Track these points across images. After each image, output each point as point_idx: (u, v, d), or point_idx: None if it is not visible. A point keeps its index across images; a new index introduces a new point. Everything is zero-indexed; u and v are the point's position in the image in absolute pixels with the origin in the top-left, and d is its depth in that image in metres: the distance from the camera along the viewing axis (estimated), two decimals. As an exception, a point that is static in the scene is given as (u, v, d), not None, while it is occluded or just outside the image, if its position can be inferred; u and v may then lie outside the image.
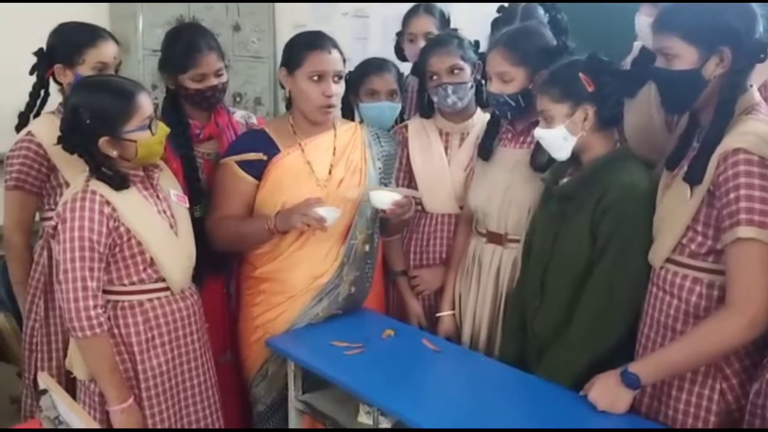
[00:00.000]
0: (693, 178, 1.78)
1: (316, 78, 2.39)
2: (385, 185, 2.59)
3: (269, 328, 2.50)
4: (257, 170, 2.46)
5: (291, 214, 2.33)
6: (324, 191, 2.46)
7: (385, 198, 2.38)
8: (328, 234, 2.41)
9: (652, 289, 1.95)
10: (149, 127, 2.11)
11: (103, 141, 2.07)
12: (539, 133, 2.14)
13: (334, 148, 2.52)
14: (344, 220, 2.47)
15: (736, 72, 1.76)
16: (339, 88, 2.45)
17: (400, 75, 2.85)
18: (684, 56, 1.79)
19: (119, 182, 2.10)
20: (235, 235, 2.48)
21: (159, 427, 2.20)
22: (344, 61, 2.48)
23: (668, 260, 1.89)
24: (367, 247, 2.55)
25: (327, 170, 2.49)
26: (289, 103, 2.58)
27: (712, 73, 1.78)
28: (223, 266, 2.67)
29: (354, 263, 2.52)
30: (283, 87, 2.53)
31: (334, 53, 2.43)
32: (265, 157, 2.46)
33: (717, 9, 1.77)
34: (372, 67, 2.82)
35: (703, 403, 1.83)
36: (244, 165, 2.46)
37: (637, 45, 2.40)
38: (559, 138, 2.09)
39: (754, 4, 1.78)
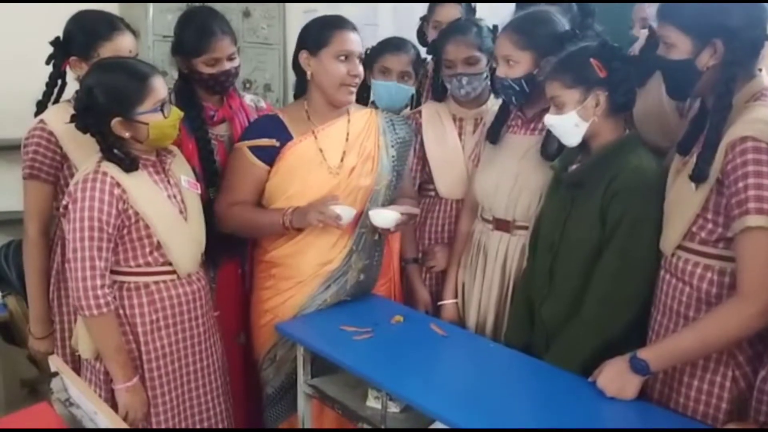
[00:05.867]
0: (698, 176, 1.78)
1: (343, 57, 2.40)
2: (399, 173, 2.58)
3: (278, 312, 2.51)
4: (270, 156, 2.46)
5: (308, 212, 2.34)
6: (336, 179, 2.46)
7: (388, 218, 2.39)
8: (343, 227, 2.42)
9: (665, 276, 1.95)
10: (161, 110, 2.11)
11: (115, 122, 2.08)
12: (550, 120, 2.13)
13: (348, 134, 2.52)
14: (357, 205, 2.47)
15: (729, 64, 1.76)
16: (361, 69, 2.46)
17: (419, 59, 2.84)
18: (679, 46, 1.81)
19: (129, 164, 2.12)
20: (249, 223, 2.50)
21: (161, 408, 2.23)
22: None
23: (679, 247, 1.88)
24: (376, 236, 2.55)
25: (339, 158, 2.49)
26: (299, 90, 2.57)
27: (706, 64, 1.79)
28: (237, 248, 2.68)
29: (363, 251, 2.52)
30: (297, 73, 2.51)
31: (356, 34, 2.45)
32: (278, 144, 2.46)
33: (717, 2, 1.77)
34: (390, 45, 2.82)
35: (715, 390, 1.83)
36: (257, 150, 2.46)
37: (644, 32, 2.39)
38: (570, 124, 2.08)
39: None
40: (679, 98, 2.03)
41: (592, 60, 2.05)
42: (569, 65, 2.08)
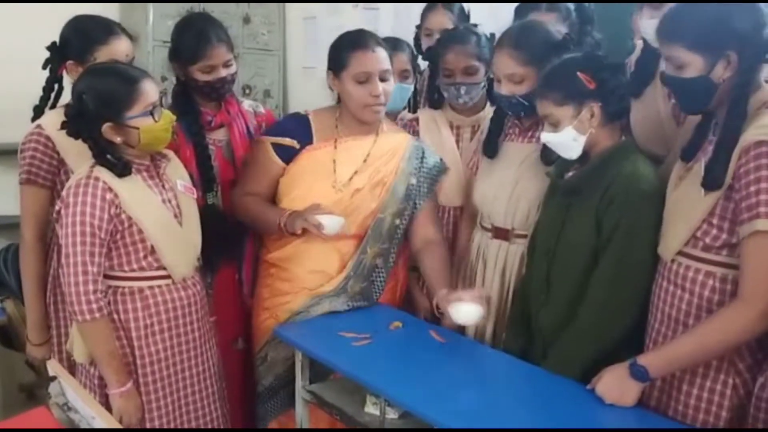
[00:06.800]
0: (712, 184, 1.76)
1: (362, 79, 2.38)
2: (416, 204, 2.55)
3: (274, 313, 2.53)
4: (288, 155, 2.48)
5: (297, 217, 2.35)
6: (337, 195, 2.45)
7: (471, 314, 2.20)
8: (336, 238, 2.41)
9: (662, 283, 1.94)
10: (152, 114, 2.11)
11: (106, 127, 2.08)
12: (546, 138, 2.10)
13: (368, 155, 2.50)
14: (355, 226, 2.47)
15: (744, 72, 1.75)
16: (387, 86, 2.42)
17: (413, 55, 2.84)
18: (692, 64, 1.78)
19: (122, 169, 2.11)
20: (254, 216, 2.54)
21: (156, 413, 2.22)
22: (390, 57, 2.45)
23: (680, 253, 1.87)
24: (379, 261, 2.55)
25: (348, 176, 2.47)
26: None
27: (722, 76, 1.77)
28: (234, 253, 2.69)
29: (360, 275, 2.52)
30: (332, 89, 2.51)
31: (379, 51, 2.41)
32: (298, 146, 2.47)
33: (718, 13, 1.76)
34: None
35: (714, 398, 1.82)
36: (277, 147, 2.48)
37: (639, 44, 2.40)
38: (568, 140, 2.06)
39: (760, 3, 1.77)
40: (696, 113, 1.96)
41: (579, 74, 2.03)
42: (557, 82, 2.06)
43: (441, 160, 2.63)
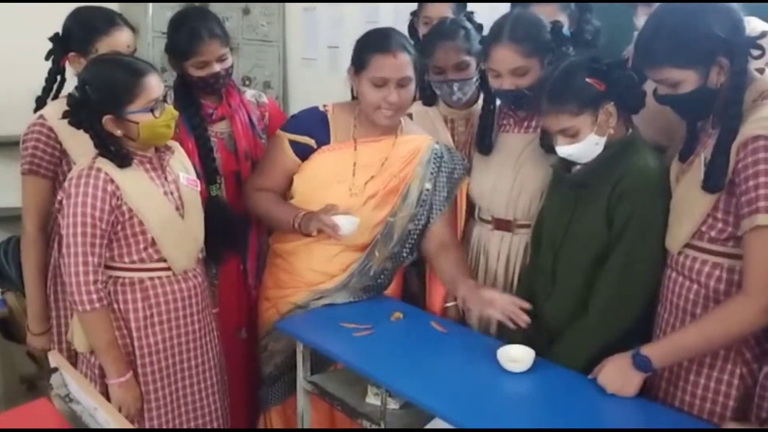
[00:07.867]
0: (714, 186, 1.76)
1: (379, 83, 2.32)
2: (432, 207, 2.50)
3: (275, 304, 2.54)
4: (305, 153, 2.46)
5: (312, 218, 2.33)
6: (351, 200, 2.42)
7: (525, 358, 2.04)
8: (349, 241, 2.40)
9: (671, 274, 1.94)
10: (152, 110, 2.09)
11: (107, 119, 2.07)
12: (567, 151, 2.06)
13: (386, 159, 2.45)
14: (365, 236, 2.45)
15: (738, 74, 1.74)
16: (405, 93, 2.36)
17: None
18: (686, 80, 1.78)
19: (121, 160, 2.11)
20: (265, 213, 2.55)
21: (154, 404, 2.23)
22: (414, 62, 2.37)
23: (687, 245, 1.87)
24: (388, 264, 2.53)
25: (364, 181, 2.44)
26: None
27: (718, 81, 1.77)
28: (239, 245, 2.69)
29: (366, 275, 2.51)
30: (352, 85, 2.47)
31: (401, 57, 2.32)
32: (315, 146, 2.45)
33: (696, 24, 1.74)
34: None
35: (722, 389, 1.82)
36: (294, 145, 2.46)
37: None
38: (590, 146, 2.03)
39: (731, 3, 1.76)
40: (702, 120, 1.93)
41: (588, 80, 2.00)
42: (568, 94, 2.01)
43: (463, 159, 2.55)
